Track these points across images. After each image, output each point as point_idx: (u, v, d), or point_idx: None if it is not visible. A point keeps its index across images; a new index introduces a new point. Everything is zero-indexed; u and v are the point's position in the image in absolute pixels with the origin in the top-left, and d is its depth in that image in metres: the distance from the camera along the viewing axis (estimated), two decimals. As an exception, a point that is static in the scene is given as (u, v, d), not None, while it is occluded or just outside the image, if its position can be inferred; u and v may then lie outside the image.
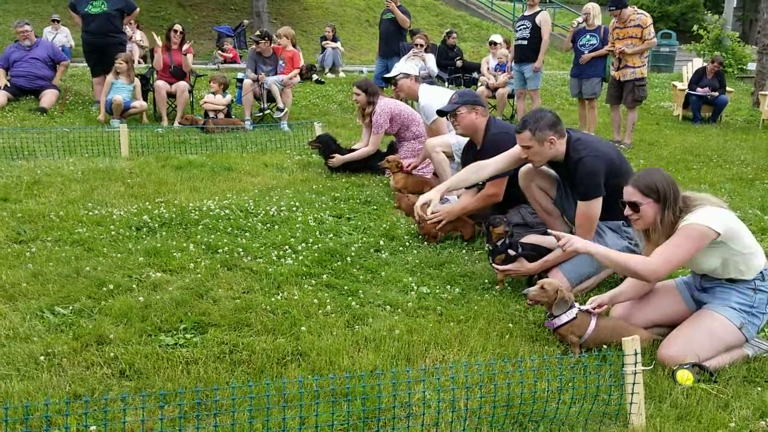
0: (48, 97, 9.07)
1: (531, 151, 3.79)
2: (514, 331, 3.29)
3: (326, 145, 6.68)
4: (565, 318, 3.09)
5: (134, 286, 3.60)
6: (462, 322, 3.36)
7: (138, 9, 9.69)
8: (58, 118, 8.78)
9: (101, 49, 8.95)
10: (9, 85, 9.19)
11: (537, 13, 9.26)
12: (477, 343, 3.11)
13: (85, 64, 10.11)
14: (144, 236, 4.45)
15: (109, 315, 3.22)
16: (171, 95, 9.12)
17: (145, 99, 9.10)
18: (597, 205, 3.71)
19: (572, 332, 3.09)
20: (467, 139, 5.60)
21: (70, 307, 3.29)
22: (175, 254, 4.09)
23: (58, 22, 13.16)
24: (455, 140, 5.59)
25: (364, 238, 4.67)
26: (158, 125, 8.77)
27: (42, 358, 2.78)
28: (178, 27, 9.20)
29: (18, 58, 9.31)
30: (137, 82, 8.89)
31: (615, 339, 2.97)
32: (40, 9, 15.68)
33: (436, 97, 5.93)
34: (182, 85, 8.97)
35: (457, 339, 3.16)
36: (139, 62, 12.02)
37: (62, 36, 13.01)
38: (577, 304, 3.17)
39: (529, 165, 4.03)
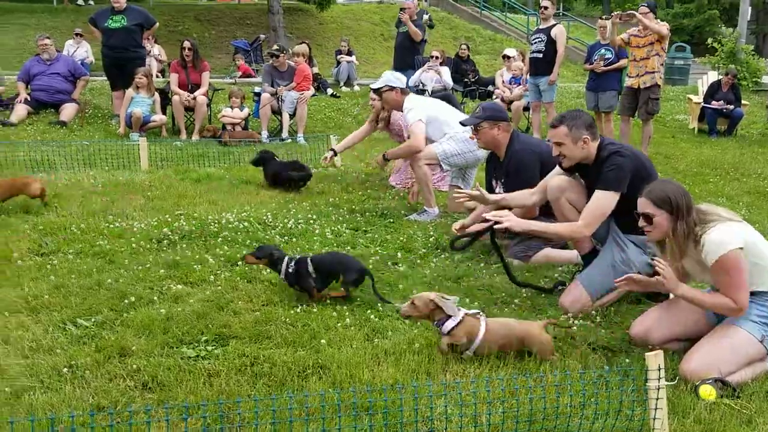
0: (68, 110, 9.19)
1: (563, 148, 3.75)
2: (535, 346, 3.28)
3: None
4: (451, 323, 3.05)
5: (155, 298, 3.63)
6: (482, 336, 3.35)
7: (157, 24, 9.83)
8: (78, 131, 8.88)
9: (121, 63, 9.07)
10: (29, 98, 9.31)
11: (552, 26, 9.28)
12: (497, 358, 3.10)
13: (104, 79, 10.26)
14: (164, 249, 4.49)
15: (131, 327, 3.24)
16: (189, 109, 9.21)
17: (164, 113, 9.20)
18: (611, 199, 3.63)
19: (462, 337, 3.04)
20: (455, 148, 5.61)
21: (93, 319, 3.33)
22: (195, 267, 4.12)
23: (80, 36, 13.36)
24: (441, 150, 5.58)
25: (381, 251, 4.68)
26: (177, 138, 8.86)
27: (65, 370, 2.81)
28: (187, 44, 9.28)
29: (38, 72, 9.44)
30: (156, 96, 8.99)
31: (509, 341, 3.04)
32: (60, 23, 15.92)
33: (420, 104, 5.86)
34: (201, 99, 9.06)
35: (478, 353, 3.15)
36: (157, 76, 12.17)
37: (82, 50, 13.20)
38: (464, 310, 3.13)
39: (561, 177, 3.99)
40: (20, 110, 9.02)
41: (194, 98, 9.06)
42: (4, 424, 2.32)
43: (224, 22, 18.72)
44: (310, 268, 3.68)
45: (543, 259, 4.56)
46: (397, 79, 5.95)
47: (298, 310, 3.57)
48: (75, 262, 4.12)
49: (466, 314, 3.10)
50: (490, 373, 2.97)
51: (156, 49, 13.24)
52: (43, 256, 4.25)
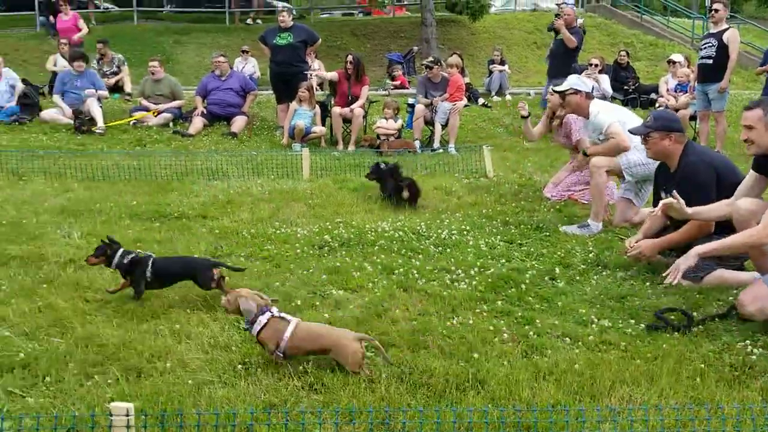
0: (238, 122, 9.89)
1: (753, 132, 3.62)
2: (708, 374, 3.04)
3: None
4: (257, 326, 2.99)
5: (318, 302, 3.80)
6: (649, 361, 3.16)
7: (320, 40, 10.34)
8: (247, 142, 9.54)
9: (286, 78, 9.64)
10: (205, 111, 10.13)
11: (724, 30, 8.62)
12: (667, 384, 2.91)
13: (270, 92, 10.95)
14: (325, 255, 4.69)
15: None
16: (346, 120, 9.58)
17: (323, 124, 9.65)
18: None
19: (268, 339, 2.98)
20: (639, 158, 5.31)
21: (264, 320, 3.54)
22: (354, 273, 4.26)
23: (247, 53, 14.36)
24: (624, 158, 5.33)
25: (538, 265, 4.57)
26: (334, 149, 9.24)
27: (240, 366, 3.01)
28: (350, 57, 9.67)
29: (214, 87, 10.26)
30: (317, 108, 9.45)
31: (318, 347, 2.99)
32: (231, 41, 17.21)
33: (608, 108, 5.69)
34: (357, 110, 9.40)
35: (645, 378, 2.98)
36: (316, 90, 12.76)
37: (250, 66, 14.16)
38: (274, 310, 3.06)
39: (754, 201, 3.73)
40: (197, 122, 9.84)
41: (351, 110, 9.40)
42: (190, 415, 2.53)
43: (379, 36, 19.28)
44: (148, 272, 3.69)
45: (716, 281, 4.22)
46: (583, 83, 5.82)
47: (454, 321, 3.58)
48: (246, 264, 4.42)
49: (272, 316, 3.02)
50: (659, 400, 2.79)
51: (316, 64, 13.90)
52: (218, 258, 4.59)
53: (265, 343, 3.02)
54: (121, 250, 3.81)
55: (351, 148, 9.31)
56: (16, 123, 9.52)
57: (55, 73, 11.40)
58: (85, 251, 4.50)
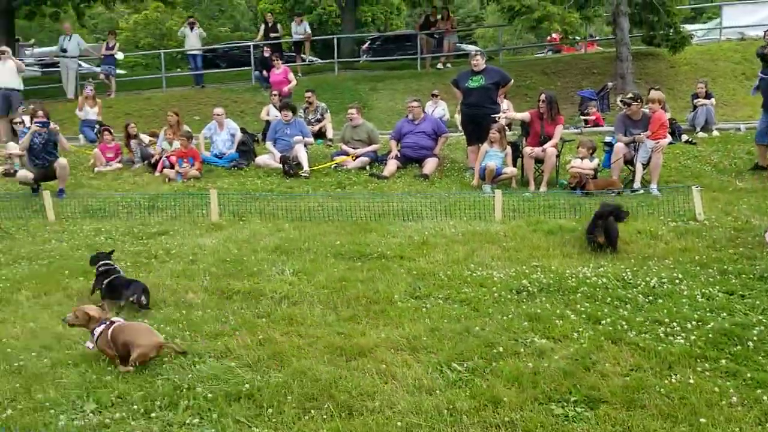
0: (430, 164, 10.13)
1: None
2: None
3: None
4: (96, 334, 3.62)
5: (521, 350, 3.71)
6: None
7: (512, 81, 10.33)
8: (438, 183, 9.73)
9: (477, 120, 9.73)
10: (399, 155, 10.51)
11: None
12: None
13: (460, 134, 11.10)
14: (524, 300, 4.59)
15: (500, 377, 3.36)
16: (538, 161, 9.41)
17: (514, 165, 9.56)
18: None
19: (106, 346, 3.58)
20: None
21: (465, 365, 3.53)
22: (556, 321, 4.12)
23: (436, 96, 14.76)
24: None
25: (766, 320, 4.08)
26: (525, 190, 9.10)
27: (445, 412, 3.01)
28: (543, 96, 9.50)
29: (407, 131, 10.63)
30: (509, 149, 9.40)
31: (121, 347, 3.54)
32: (422, 86, 17.80)
33: None
34: (550, 150, 9.19)
35: None
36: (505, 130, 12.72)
37: (440, 109, 14.52)
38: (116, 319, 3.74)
39: None
40: (391, 165, 10.23)
41: (543, 150, 9.22)
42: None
43: (570, 73, 18.84)
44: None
45: None
46: None
47: (672, 380, 3.30)
48: (444, 307, 4.46)
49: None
50: None
51: (505, 104, 13.90)
52: (417, 299, 4.69)
53: (105, 348, 3.62)
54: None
55: (543, 189, 9.10)
56: (235, 168, 10.58)
57: (268, 122, 12.55)
58: (298, 288, 4.84)
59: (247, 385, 3.26)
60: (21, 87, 14.04)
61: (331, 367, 3.50)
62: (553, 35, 20.57)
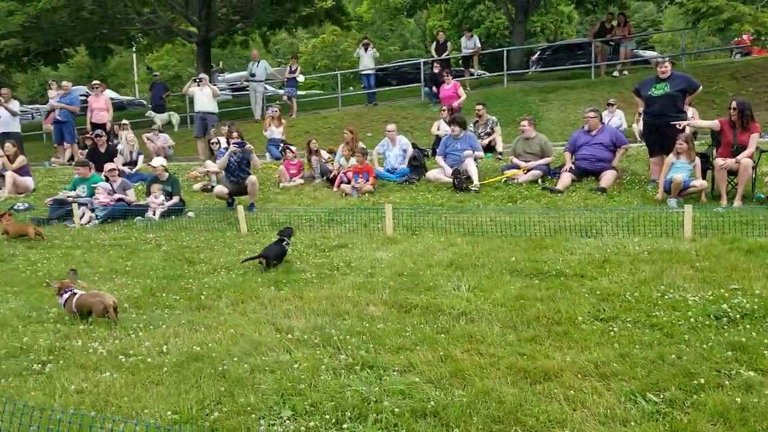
0: (607, 177, 9.66)
1: None
2: None
3: None
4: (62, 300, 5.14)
5: (725, 382, 3.40)
6: None
7: (701, 87, 9.59)
8: (616, 197, 9.24)
9: (661, 129, 9.13)
10: (573, 167, 10.14)
11: None
12: None
13: (640, 144, 10.47)
14: (724, 327, 4.20)
15: (703, 412, 3.09)
16: (731, 173, 8.62)
17: (703, 177, 8.84)
18: None
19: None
20: None
21: (661, 396, 3.30)
22: (764, 352, 3.72)
23: (612, 105, 14.07)
24: None
25: None
26: (717, 204, 8.37)
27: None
28: (733, 104, 8.68)
29: (583, 142, 10.24)
30: (697, 161, 8.71)
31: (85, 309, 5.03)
32: (597, 95, 17.09)
33: None
34: (745, 161, 8.39)
35: None
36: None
37: (616, 119, 13.81)
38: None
39: None
40: (565, 178, 9.89)
41: (737, 162, 8.43)
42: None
43: (763, 77, 17.12)
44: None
45: None
46: None
47: None
48: (633, 331, 4.20)
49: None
50: None
51: (690, 112, 12.90)
52: (602, 321, 4.46)
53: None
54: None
55: (737, 203, 8.31)
56: (407, 182, 10.83)
57: (438, 137, 12.72)
58: (475, 305, 4.82)
59: (432, 403, 3.28)
60: (216, 110, 15.48)
61: (515, 389, 3.42)
62: (743, 37, 18.88)
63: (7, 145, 12.75)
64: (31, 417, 3.06)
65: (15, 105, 15.30)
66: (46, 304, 5.50)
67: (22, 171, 12.48)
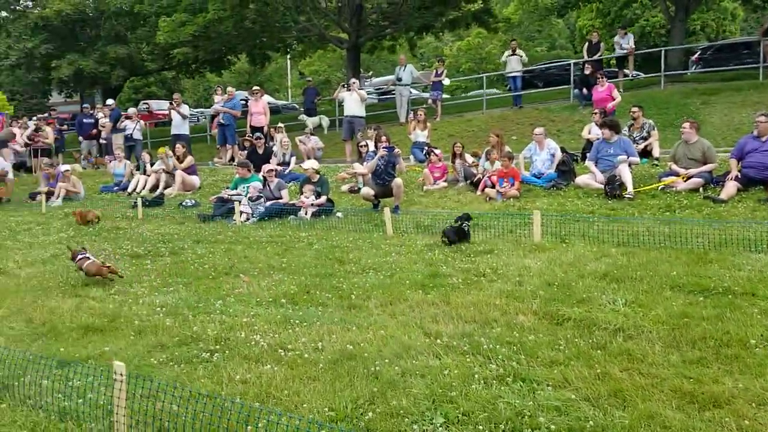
0: (780, 187, 8.83)
1: None
2: None
3: None
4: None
5: None
6: None
7: None
8: (785, 209, 8.42)
9: None
10: (739, 176, 9.36)
11: None
12: None
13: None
14: None
15: None
16: None
17: None
18: None
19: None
20: None
21: None
22: None
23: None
24: None
25: None
26: None
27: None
28: None
29: (752, 149, 9.41)
30: None
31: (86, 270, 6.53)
32: (765, 98, 15.69)
33: None
34: None
35: None
36: None
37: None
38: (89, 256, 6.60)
39: None
40: (730, 187, 9.15)
41: None
42: None
43: None
44: None
45: None
46: None
47: None
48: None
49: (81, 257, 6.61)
50: None
51: None
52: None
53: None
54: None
55: None
56: (554, 188, 10.52)
57: (588, 141, 12.25)
58: (633, 321, 4.59)
59: (590, 422, 3.16)
60: (364, 114, 15.94)
61: (681, 414, 3.21)
62: None
63: (178, 146, 13.95)
64: (204, 405, 3.31)
65: (185, 109, 16.72)
66: (211, 296, 5.94)
67: (190, 170, 13.60)
